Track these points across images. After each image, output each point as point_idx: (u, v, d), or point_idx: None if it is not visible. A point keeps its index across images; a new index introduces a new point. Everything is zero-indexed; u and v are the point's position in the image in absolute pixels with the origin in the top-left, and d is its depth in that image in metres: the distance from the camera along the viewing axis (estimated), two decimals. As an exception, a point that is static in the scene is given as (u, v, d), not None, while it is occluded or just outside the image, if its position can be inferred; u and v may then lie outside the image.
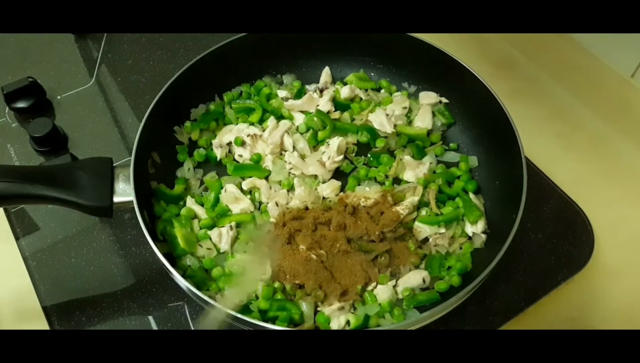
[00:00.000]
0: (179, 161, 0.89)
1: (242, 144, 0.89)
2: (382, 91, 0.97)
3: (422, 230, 0.81)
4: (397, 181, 0.87)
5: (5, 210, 0.89)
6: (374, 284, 0.76)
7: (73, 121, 1.01)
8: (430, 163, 0.88)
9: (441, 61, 0.89)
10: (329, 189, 0.85)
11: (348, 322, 0.73)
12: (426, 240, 0.81)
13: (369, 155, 0.90)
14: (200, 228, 0.82)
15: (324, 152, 0.88)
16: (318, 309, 0.75)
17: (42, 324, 0.78)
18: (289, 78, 0.99)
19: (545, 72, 1.06)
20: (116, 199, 0.74)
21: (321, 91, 0.95)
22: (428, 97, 0.94)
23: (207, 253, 0.79)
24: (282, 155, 0.90)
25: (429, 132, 0.92)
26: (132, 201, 0.74)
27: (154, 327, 0.78)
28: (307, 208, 0.83)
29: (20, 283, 0.82)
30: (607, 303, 0.81)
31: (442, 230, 0.81)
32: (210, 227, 0.82)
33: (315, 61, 0.99)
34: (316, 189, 0.85)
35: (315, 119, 0.91)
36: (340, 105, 0.94)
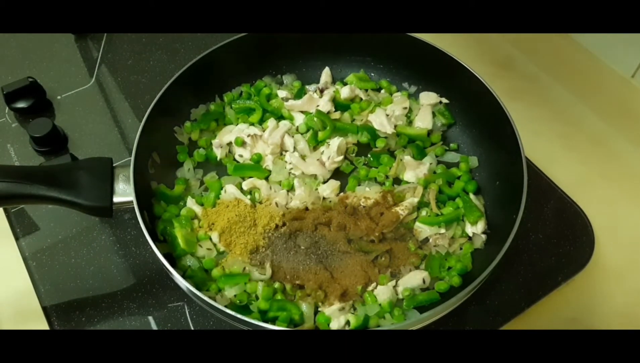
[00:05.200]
0: (179, 161, 0.89)
1: (243, 144, 0.89)
2: (382, 91, 0.97)
3: (423, 230, 0.81)
4: (397, 181, 0.87)
5: (5, 210, 0.89)
6: (374, 284, 0.76)
7: (73, 121, 1.01)
8: (431, 164, 0.88)
9: (441, 61, 0.89)
10: (329, 189, 0.85)
11: (348, 322, 0.73)
12: (426, 240, 0.81)
13: (369, 155, 0.90)
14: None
15: (323, 152, 0.88)
16: (319, 309, 0.75)
17: (42, 324, 0.78)
18: (289, 78, 0.99)
19: (546, 72, 1.06)
20: (116, 199, 0.74)
21: (321, 91, 0.95)
22: (428, 98, 0.94)
23: (207, 253, 0.79)
24: (282, 155, 0.90)
25: (429, 133, 0.92)
26: (132, 202, 0.74)
27: (154, 327, 0.78)
28: (307, 209, 0.83)
29: (20, 284, 0.82)
30: (608, 303, 0.81)
31: (443, 231, 0.81)
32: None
33: (315, 61, 0.99)
34: (316, 189, 0.85)
35: (315, 119, 0.91)
36: (340, 105, 0.94)
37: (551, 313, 0.80)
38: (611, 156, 0.95)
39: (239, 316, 0.65)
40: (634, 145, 0.96)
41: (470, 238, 0.81)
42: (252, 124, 0.92)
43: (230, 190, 0.84)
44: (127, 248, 0.85)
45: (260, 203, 0.84)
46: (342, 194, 0.85)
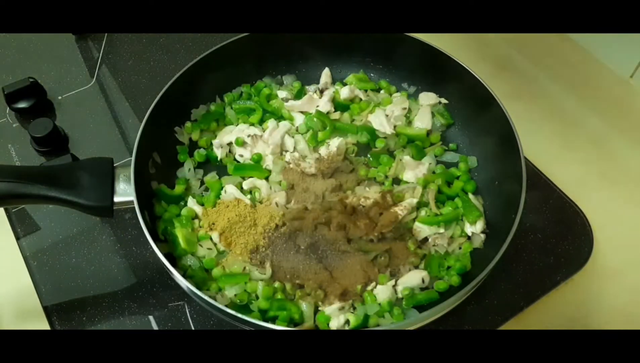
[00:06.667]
0: (180, 161, 0.89)
1: (243, 144, 0.89)
2: (382, 91, 0.97)
3: (422, 230, 0.81)
4: (397, 181, 0.87)
5: (6, 210, 0.89)
6: (373, 284, 0.76)
7: (74, 122, 1.01)
8: (430, 164, 0.88)
9: (441, 61, 0.89)
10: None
11: (348, 322, 0.74)
12: (426, 240, 0.81)
13: (368, 155, 0.91)
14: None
15: (318, 158, 0.88)
16: (319, 309, 0.75)
17: (42, 324, 0.79)
18: (289, 79, 0.99)
19: (545, 72, 1.07)
20: (117, 199, 0.74)
21: (321, 91, 0.95)
22: (427, 98, 0.94)
23: (207, 253, 0.79)
24: (282, 155, 0.90)
25: (429, 133, 0.93)
26: (132, 201, 0.74)
27: (155, 326, 0.78)
28: (307, 209, 0.83)
29: (21, 283, 0.82)
30: (606, 303, 0.81)
31: (442, 230, 0.81)
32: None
33: (315, 61, 0.99)
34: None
35: (315, 119, 0.91)
36: (340, 106, 0.94)
37: (550, 312, 0.80)
38: (610, 156, 0.95)
39: (239, 315, 0.65)
40: (632, 145, 0.96)
41: (469, 238, 0.82)
42: (252, 124, 0.92)
43: (230, 190, 0.84)
44: (128, 247, 0.85)
45: (261, 202, 0.84)
46: (342, 194, 0.85)
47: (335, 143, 0.88)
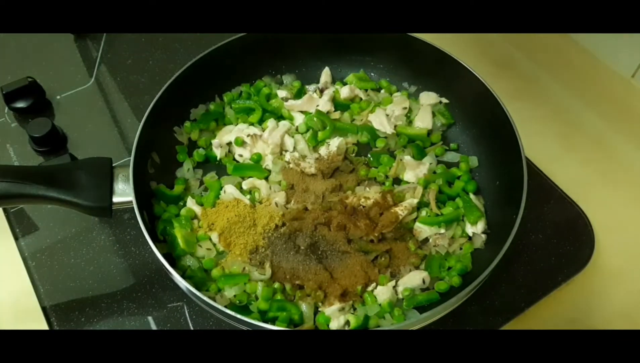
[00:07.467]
0: (179, 161, 0.89)
1: (242, 144, 0.89)
2: (382, 91, 0.97)
3: (422, 230, 0.81)
4: (397, 181, 0.87)
5: (5, 210, 0.89)
6: (373, 284, 0.76)
7: (72, 121, 1.00)
8: (431, 163, 0.87)
9: (441, 61, 0.89)
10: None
11: (348, 322, 0.73)
12: (426, 240, 0.81)
13: (369, 155, 0.90)
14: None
15: (318, 158, 0.88)
16: (318, 309, 0.75)
17: (41, 324, 0.78)
18: (289, 78, 0.99)
19: (546, 72, 1.06)
20: (115, 199, 0.74)
21: (321, 91, 0.95)
22: (428, 98, 0.94)
23: (206, 253, 0.79)
24: (282, 155, 0.90)
25: (429, 133, 0.92)
26: (131, 201, 0.73)
27: (153, 327, 0.78)
28: (306, 209, 0.82)
29: (20, 284, 0.82)
30: (608, 303, 0.81)
31: (442, 231, 0.81)
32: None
33: (315, 61, 0.99)
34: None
35: (315, 119, 0.91)
36: (340, 105, 0.94)
37: (551, 313, 0.79)
38: (611, 156, 0.95)
39: (238, 316, 0.65)
40: (633, 145, 0.96)
41: (470, 238, 0.81)
42: (251, 124, 0.92)
43: (229, 190, 0.84)
44: (127, 248, 0.85)
45: (260, 203, 0.84)
46: (342, 194, 0.84)
47: (335, 142, 0.88)
